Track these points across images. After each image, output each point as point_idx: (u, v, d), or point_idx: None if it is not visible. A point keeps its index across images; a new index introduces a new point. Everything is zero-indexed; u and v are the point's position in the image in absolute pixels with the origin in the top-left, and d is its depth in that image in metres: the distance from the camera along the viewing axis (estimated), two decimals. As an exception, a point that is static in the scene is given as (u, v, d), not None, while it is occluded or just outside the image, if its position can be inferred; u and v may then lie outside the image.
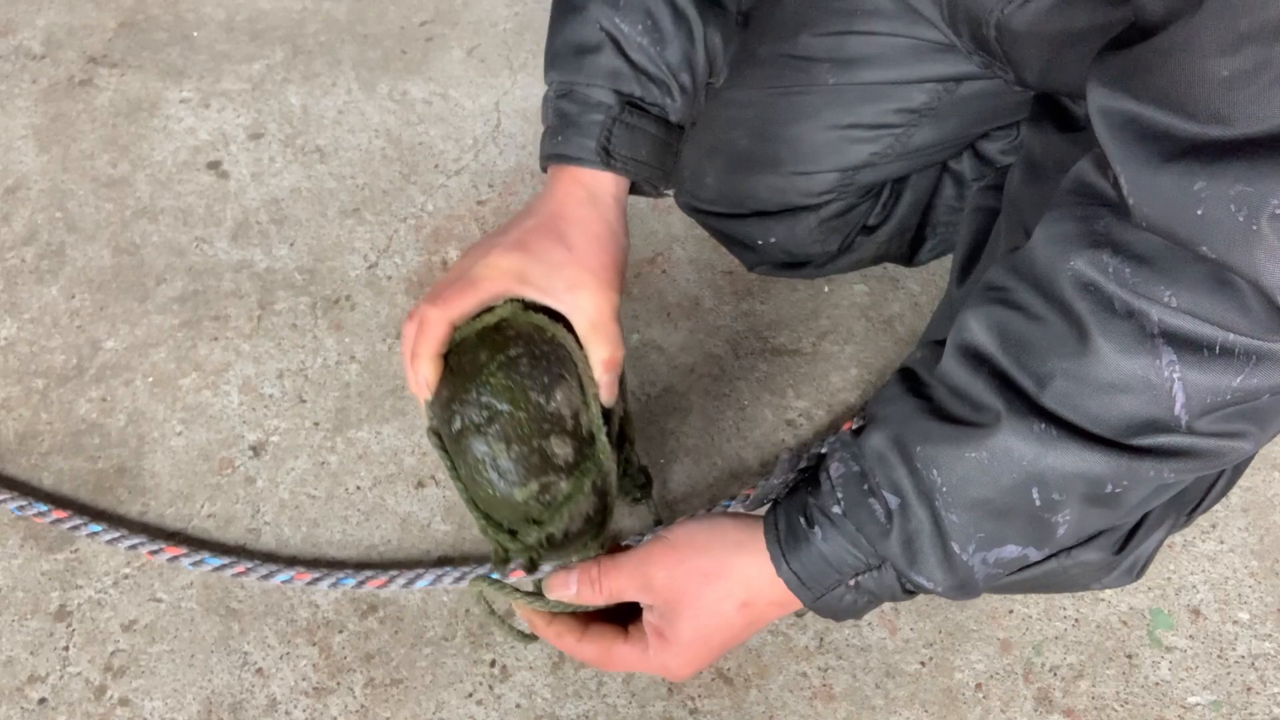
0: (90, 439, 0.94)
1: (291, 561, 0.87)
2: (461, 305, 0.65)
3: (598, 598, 0.64)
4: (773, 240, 0.95)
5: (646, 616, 0.65)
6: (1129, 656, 0.84)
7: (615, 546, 0.69)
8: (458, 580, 0.84)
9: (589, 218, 0.66)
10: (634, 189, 0.70)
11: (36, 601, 0.85)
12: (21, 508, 0.87)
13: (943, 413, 0.57)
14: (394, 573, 0.84)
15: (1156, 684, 0.83)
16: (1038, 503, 0.54)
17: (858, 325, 1.03)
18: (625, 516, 0.89)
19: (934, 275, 1.06)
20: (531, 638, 0.72)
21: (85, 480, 0.92)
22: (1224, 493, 0.74)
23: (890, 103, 0.86)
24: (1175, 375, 0.49)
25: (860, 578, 0.60)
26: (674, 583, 0.62)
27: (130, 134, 1.16)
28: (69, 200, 1.10)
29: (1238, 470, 0.75)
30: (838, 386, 0.99)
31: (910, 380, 0.61)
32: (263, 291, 1.04)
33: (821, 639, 0.84)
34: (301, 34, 1.26)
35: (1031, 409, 0.53)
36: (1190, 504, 0.71)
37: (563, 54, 0.68)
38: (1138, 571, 0.74)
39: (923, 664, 0.83)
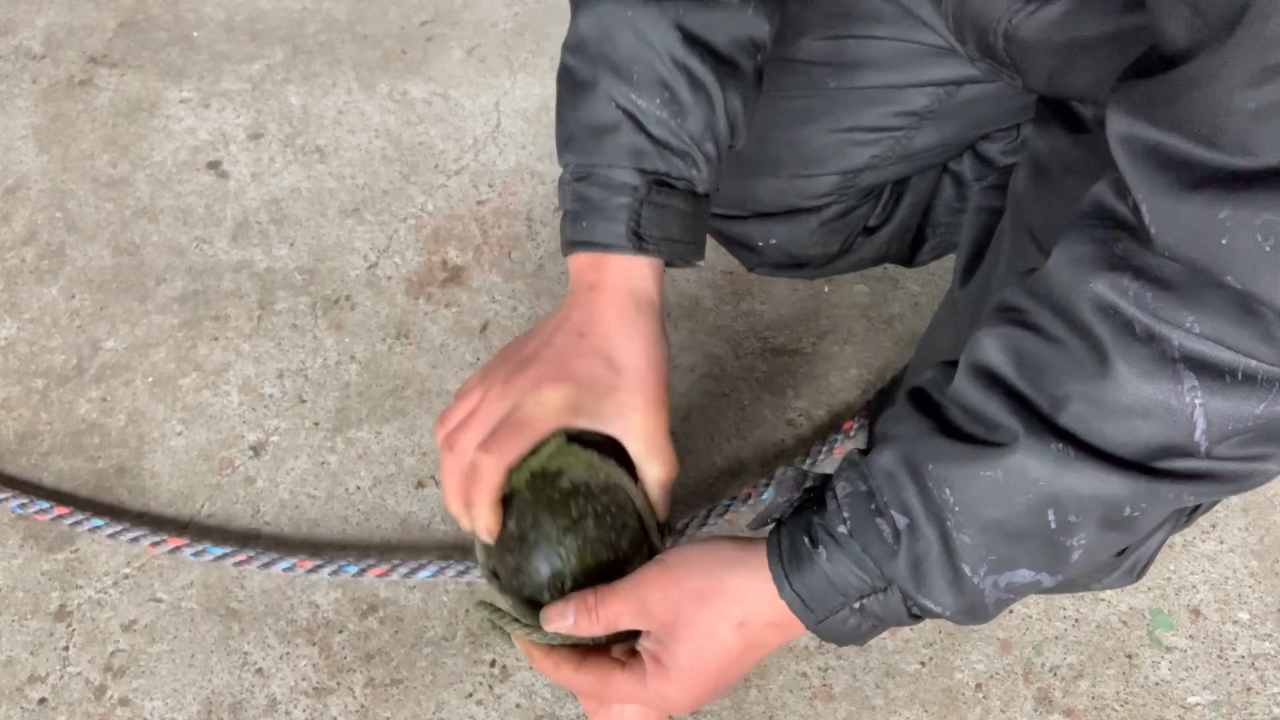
0: (90, 439, 0.94)
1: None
2: (516, 450, 0.64)
3: (595, 626, 0.63)
4: (774, 241, 0.95)
5: (643, 643, 0.63)
6: (1129, 656, 0.84)
7: None
8: (460, 574, 0.84)
9: (633, 333, 0.65)
10: (668, 263, 0.68)
11: (36, 601, 0.85)
12: (23, 505, 0.87)
13: (956, 431, 0.55)
14: (395, 561, 0.85)
15: (1156, 684, 0.83)
16: (1053, 525, 0.53)
17: (858, 325, 1.03)
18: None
19: (934, 275, 1.06)
20: None
21: (85, 480, 0.91)
22: (1224, 494, 0.74)
23: (891, 106, 0.86)
24: (1197, 401, 0.48)
25: (865, 600, 0.58)
26: (669, 604, 0.61)
27: (130, 134, 1.16)
28: (69, 200, 1.10)
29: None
30: (838, 386, 0.99)
31: (921, 400, 0.59)
32: (263, 291, 1.04)
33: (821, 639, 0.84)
34: (301, 34, 1.26)
35: (1049, 429, 0.52)
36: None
37: (578, 135, 0.66)
38: (1138, 572, 0.74)
39: (923, 664, 0.83)
